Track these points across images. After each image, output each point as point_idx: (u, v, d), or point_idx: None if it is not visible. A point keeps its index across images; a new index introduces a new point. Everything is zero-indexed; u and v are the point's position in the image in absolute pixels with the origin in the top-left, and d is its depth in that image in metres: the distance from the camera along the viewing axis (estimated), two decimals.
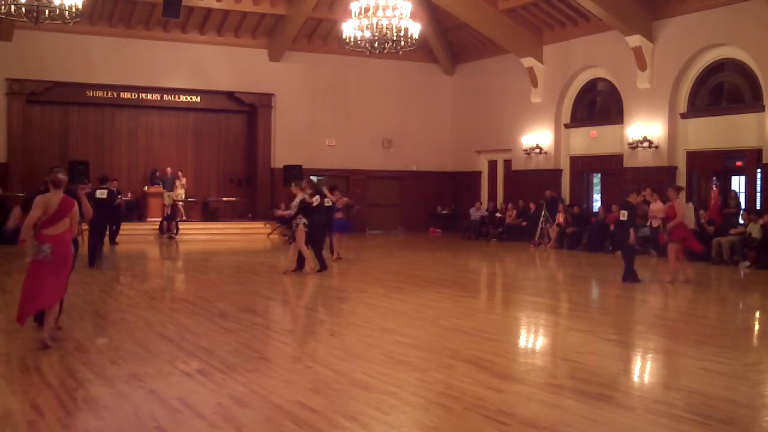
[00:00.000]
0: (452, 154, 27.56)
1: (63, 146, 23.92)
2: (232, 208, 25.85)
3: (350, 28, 17.47)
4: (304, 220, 13.77)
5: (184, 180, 24.48)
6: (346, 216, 17.78)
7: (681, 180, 19.75)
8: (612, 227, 17.57)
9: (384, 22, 17.00)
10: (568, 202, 22.33)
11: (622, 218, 13.26)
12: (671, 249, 13.18)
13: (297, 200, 13.90)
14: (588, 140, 22.65)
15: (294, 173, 24.45)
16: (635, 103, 20.50)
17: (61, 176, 7.84)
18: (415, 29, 17.40)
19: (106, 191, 15.85)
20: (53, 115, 24.00)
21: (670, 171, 19.70)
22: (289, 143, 25.50)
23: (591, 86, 22.81)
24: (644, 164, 20.03)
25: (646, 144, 19.98)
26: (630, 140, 20.41)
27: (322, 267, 14.36)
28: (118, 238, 19.94)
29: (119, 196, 18.39)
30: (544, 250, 20.45)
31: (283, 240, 23.12)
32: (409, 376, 6.63)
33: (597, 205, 22.51)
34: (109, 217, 16.63)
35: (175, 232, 22.77)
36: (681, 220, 13.14)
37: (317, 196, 14.95)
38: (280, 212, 14.86)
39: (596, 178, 23.17)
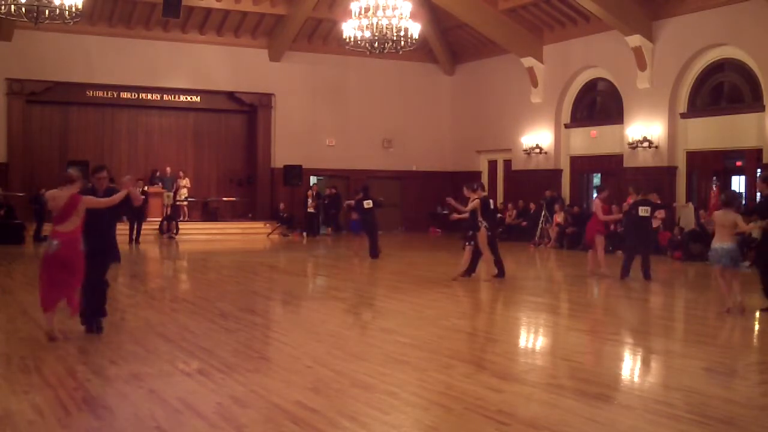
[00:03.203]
0: (452, 154, 27.56)
1: (63, 146, 23.93)
2: (232, 208, 25.85)
3: (350, 28, 17.47)
4: (485, 223, 12.98)
5: (186, 180, 24.49)
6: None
7: (681, 180, 19.77)
8: (613, 227, 17.66)
9: (384, 22, 17.00)
10: (568, 202, 22.32)
11: (644, 214, 13.51)
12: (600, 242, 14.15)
13: (472, 203, 13.05)
14: (588, 140, 22.65)
15: (294, 173, 24.51)
16: (635, 103, 20.50)
17: (72, 172, 7.87)
18: (415, 29, 17.40)
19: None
20: (53, 115, 24.00)
21: (670, 171, 19.70)
22: (289, 143, 25.50)
23: (591, 86, 22.81)
24: (644, 164, 20.02)
25: (646, 144, 19.98)
26: (630, 140, 20.40)
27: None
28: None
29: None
30: (544, 250, 20.45)
31: (284, 240, 23.22)
32: (409, 376, 6.63)
33: None
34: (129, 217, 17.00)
35: (175, 232, 22.78)
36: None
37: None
38: (456, 216, 14.03)
39: (596, 178, 23.17)
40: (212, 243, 21.96)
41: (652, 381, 6.98)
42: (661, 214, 18.68)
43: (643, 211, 13.43)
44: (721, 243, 10.01)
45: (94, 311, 8.20)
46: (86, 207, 7.78)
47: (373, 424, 5.30)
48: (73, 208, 7.70)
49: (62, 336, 7.80)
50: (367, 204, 16.90)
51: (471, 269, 13.55)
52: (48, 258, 7.75)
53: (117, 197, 8.04)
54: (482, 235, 12.95)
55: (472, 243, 13.12)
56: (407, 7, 17.21)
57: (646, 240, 13.84)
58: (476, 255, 13.33)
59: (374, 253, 16.90)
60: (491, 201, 13.87)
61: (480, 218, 12.99)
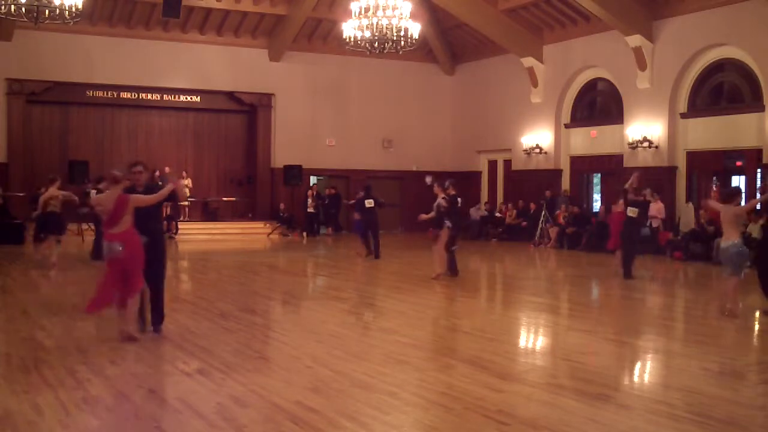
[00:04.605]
0: (452, 154, 27.56)
1: (63, 146, 23.93)
2: (232, 208, 25.85)
3: (350, 28, 17.47)
4: (449, 223, 13.14)
5: (188, 180, 24.49)
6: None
7: (681, 180, 19.77)
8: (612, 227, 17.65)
9: (384, 22, 17.01)
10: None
11: (631, 215, 13.60)
12: None
13: (438, 201, 13.28)
14: (588, 140, 22.66)
15: (294, 173, 24.51)
16: (635, 103, 20.50)
17: (116, 173, 7.85)
18: (415, 29, 17.41)
19: (95, 191, 16.37)
20: (53, 115, 24.00)
21: (670, 171, 19.70)
22: (289, 143, 25.50)
23: (591, 86, 22.81)
24: (644, 164, 20.01)
25: (646, 144, 19.98)
26: (630, 140, 20.41)
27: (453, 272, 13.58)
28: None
29: None
30: (544, 250, 20.45)
31: (284, 240, 23.22)
32: (409, 376, 6.63)
33: (597, 205, 22.52)
34: None
35: (174, 231, 22.77)
36: None
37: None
38: (424, 216, 14.02)
39: (596, 178, 23.17)
40: (212, 243, 21.96)
41: (652, 381, 6.99)
42: (660, 213, 18.74)
43: (631, 211, 13.54)
44: (727, 241, 9.80)
45: (157, 314, 8.32)
46: (135, 205, 7.78)
47: (373, 424, 5.30)
48: (123, 208, 7.68)
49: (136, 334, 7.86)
50: (369, 203, 16.90)
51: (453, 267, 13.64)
52: (114, 261, 7.69)
53: (164, 192, 8.01)
54: (444, 234, 13.08)
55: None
56: (407, 7, 17.21)
57: (626, 241, 13.98)
58: (450, 253, 13.48)
59: (377, 253, 16.88)
60: (459, 200, 14.00)
61: (446, 218, 13.15)
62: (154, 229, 8.22)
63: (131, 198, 7.78)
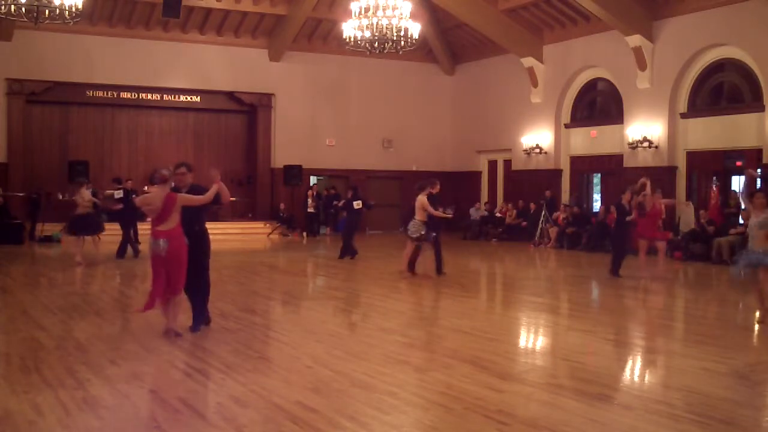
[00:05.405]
0: (452, 154, 27.56)
1: (63, 146, 23.92)
2: (232, 208, 25.81)
3: (350, 28, 17.46)
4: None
5: None
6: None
7: (681, 180, 19.76)
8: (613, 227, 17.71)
9: (384, 22, 17.00)
10: (567, 201, 22.26)
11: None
12: (646, 246, 14.05)
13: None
14: (588, 140, 22.65)
15: (294, 173, 24.51)
16: (635, 103, 20.50)
17: (165, 172, 8.02)
18: (415, 29, 17.40)
19: (122, 191, 16.92)
20: (53, 115, 23.98)
21: (670, 171, 19.70)
22: (289, 143, 25.50)
23: (591, 86, 22.80)
24: (644, 164, 20.01)
25: (646, 144, 19.97)
26: (630, 140, 20.40)
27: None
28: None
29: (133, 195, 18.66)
30: (544, 250, 20.45)
31: (284, 240, 23.21)
32: (409, 376, 6.63)
33: (597, 205, 22.51)
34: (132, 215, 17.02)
35: None
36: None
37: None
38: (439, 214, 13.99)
39: (596, 178, 23.17)
40: (212, 243, 21.90)
41: (652, 381, 6.99)
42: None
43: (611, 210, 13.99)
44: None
45: (198, 313, 8.50)
46: (183, 204, 7.98)
47: (373, 424, 5.31)
48: (171, 206, 7.88)
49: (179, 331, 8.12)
50: (357, 204, 16.98)
51: (439, 266, 13.87)
52: (159, 258, 7.88)
53: (210, 194, 8.19)
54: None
55: (426, 240, 13.54)
56: (407, 7, 17.20)
57: (613, 240, 14.51)
58: (438, 250, 13.84)
59: (348, 253, 16.90)
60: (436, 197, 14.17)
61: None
62: (198, 230, 8.43)
63: (179, 197, 8.00)
